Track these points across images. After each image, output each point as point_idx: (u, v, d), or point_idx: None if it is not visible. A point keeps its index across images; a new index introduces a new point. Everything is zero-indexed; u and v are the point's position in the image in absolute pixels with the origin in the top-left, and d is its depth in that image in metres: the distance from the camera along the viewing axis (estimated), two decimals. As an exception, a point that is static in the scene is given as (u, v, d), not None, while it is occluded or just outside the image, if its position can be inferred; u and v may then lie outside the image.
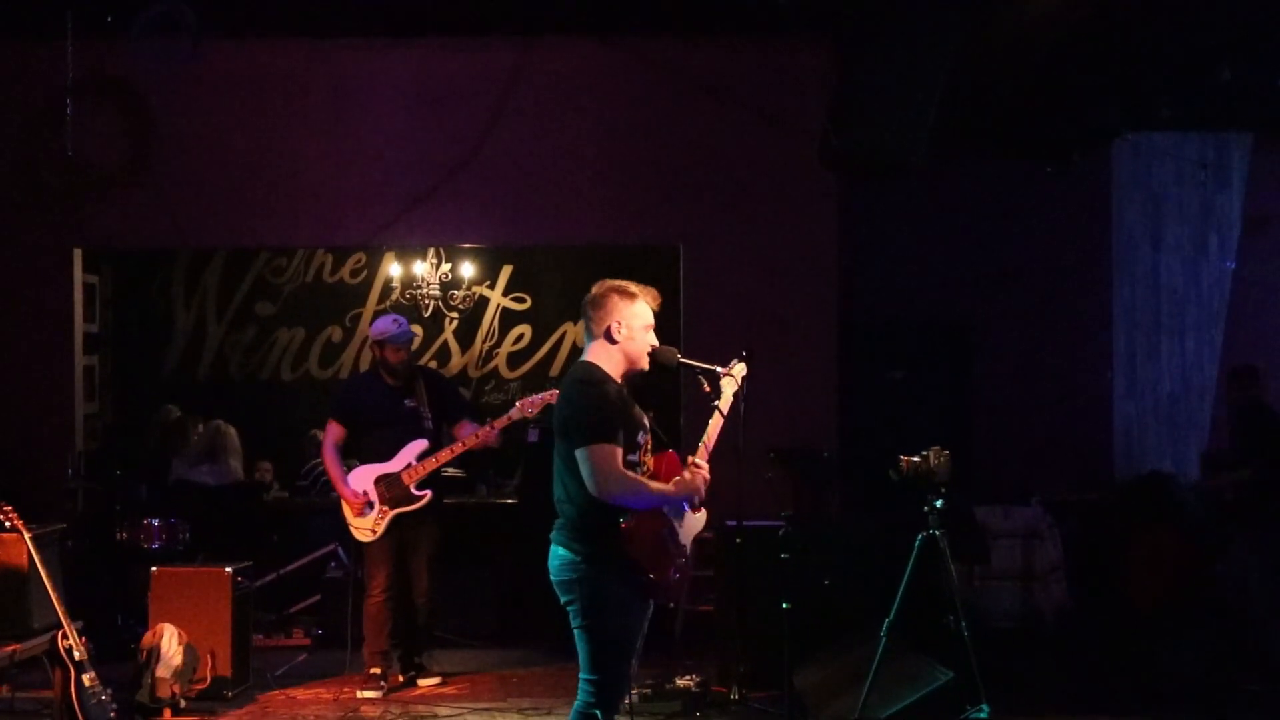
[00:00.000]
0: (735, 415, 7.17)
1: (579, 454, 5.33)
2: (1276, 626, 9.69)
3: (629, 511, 5.40)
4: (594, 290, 5.64)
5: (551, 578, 5.49)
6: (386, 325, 9.14)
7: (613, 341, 5.57)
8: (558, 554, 5.46)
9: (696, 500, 5.67)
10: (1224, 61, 10.04)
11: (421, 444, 8.97)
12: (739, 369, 5.99)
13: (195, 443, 11.79)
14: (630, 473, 5.40)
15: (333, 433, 9.14)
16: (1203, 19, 9.39)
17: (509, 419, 8.82)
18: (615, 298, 5.58)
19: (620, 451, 5.38)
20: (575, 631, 5.46)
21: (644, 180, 10.86)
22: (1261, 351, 12.68)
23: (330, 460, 9.08)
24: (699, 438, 5.85)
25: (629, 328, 5.58)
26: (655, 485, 5.50)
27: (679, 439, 10.06)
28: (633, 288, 5.63)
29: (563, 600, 5.47)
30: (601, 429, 5.35)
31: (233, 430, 11.81)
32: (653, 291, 5.70)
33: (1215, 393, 12.64)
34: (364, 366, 13.39)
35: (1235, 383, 10.25)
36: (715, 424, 5.85)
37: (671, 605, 8.34)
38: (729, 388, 5.92)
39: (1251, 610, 9.83)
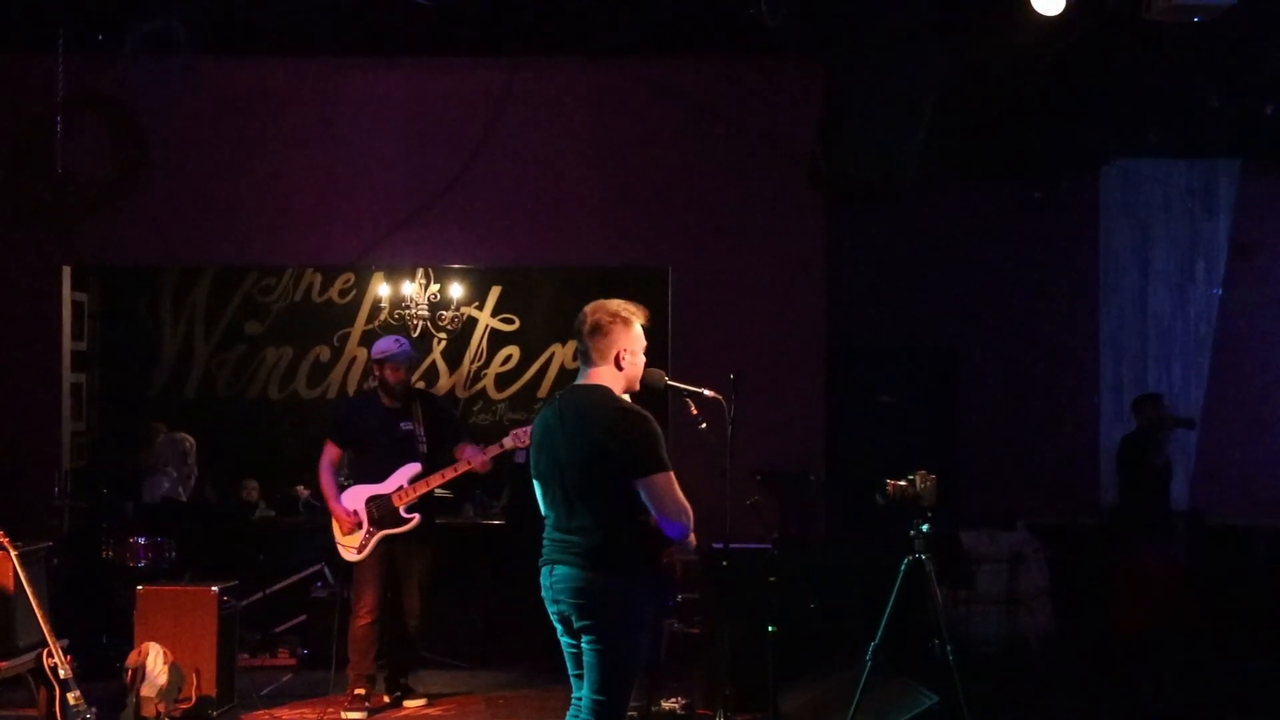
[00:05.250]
0: (722, 438, 7.19)
1: (649, 482, 5.35)
2: None
3: (661, 534, 5.45)
4: (593, 317, 5.61)
5: (566, 600, 5.44)
6: (388, 345, 9.15)
7: (619, 368, 5.61)
8: (578, 576, 5.41)
9: None
10: (1211, 88, 10.09)
11: (414, 467, 8.95)
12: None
13: (154, 452, 11.77)
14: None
15: (329, 453, 9.13)
16: (1190, 46, 9.43)
17: (501, 447, 8.80)
18: (620, 326, 5.60)
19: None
20: (591, 652, 5.43)
21: (633, 202, 10.88)
22: (1248, 378, 12.75)
23: (324, 479, 9.07)
24: (686, 461, 5.88)
25: (633, 353, 5.63)
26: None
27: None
28: (628, 312, 5.65)
29: (579, 624, 5.44)
30: (664, 457, 5.42)
31: (190, 440, 11.77)
32: (644, 311, 5.75)
33: (1201, 419, 12.66)
34: (352, 386, 13.43)
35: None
36: None
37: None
38: None
39: None
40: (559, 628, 5.61)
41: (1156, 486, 11.01)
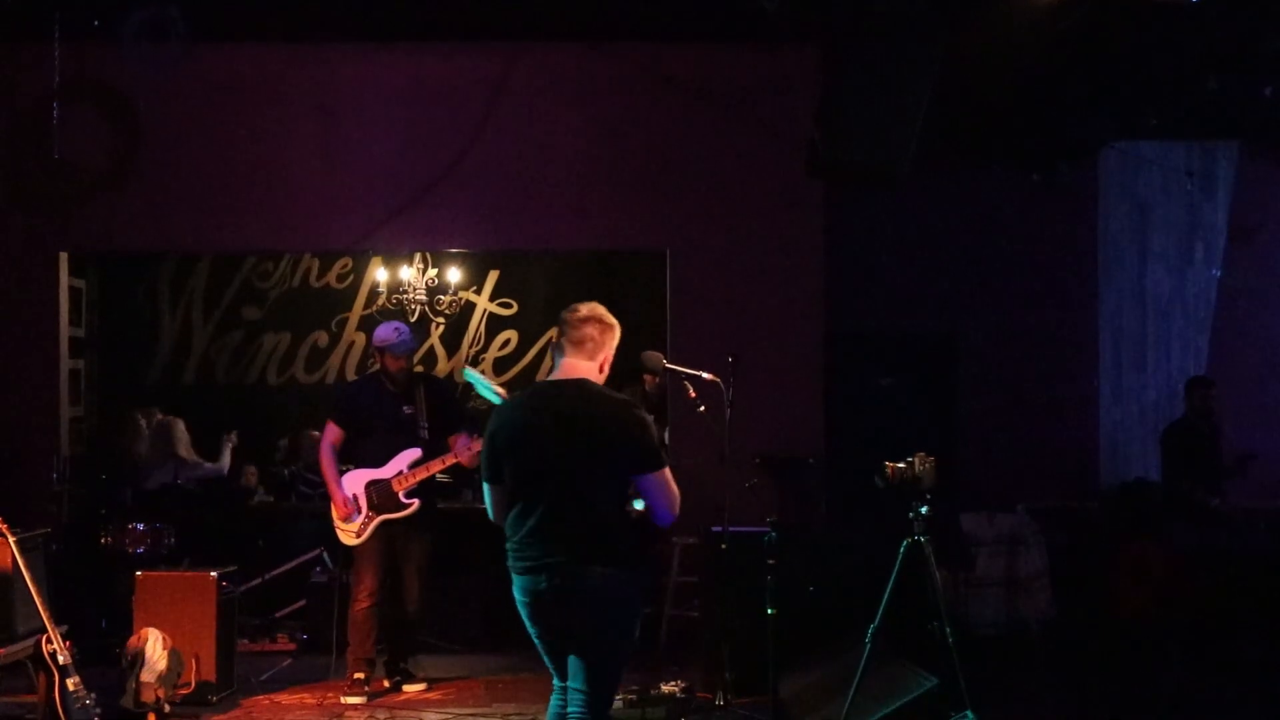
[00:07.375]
0: (721, 422, 7.19)
1: (658, 478, 5.39)
2: None
3: (645, 523, 5.49)
4: (595, 312, 5.60)
5: (578, 601, 5.34)
6: (387, 333, 9.12)
7: (600, 371, 5.60)
8: (597, 573, 5.31)
9: None
10: (1210, 70, 10.07)
11: (415, 453, 8.95)
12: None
13: (146, 441, 11.77)
14: None
15: (330, 434, 9.13)
16: (1189, 28, 9.42)
17: None
18: (613, 334, 5.62)
19: None
20: (592, 647, 5.41)
21: (631, 185, 10.86)
22: (1247, 360, 12.74)
23: (326, 461, 9.06)
24: (685, 444, 5.88)
25: (609, 362, 5.66)
26: None
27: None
28: (612, 320, 5.67)
29: (592, 623, 5.36)
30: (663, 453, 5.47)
31: (180, 423, 11.79)
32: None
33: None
34: (350, 371, 13.43)
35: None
36: None
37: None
38: None
39: None
40: (533, 630, 5.57)
41: (1195, 476, 11.04)
